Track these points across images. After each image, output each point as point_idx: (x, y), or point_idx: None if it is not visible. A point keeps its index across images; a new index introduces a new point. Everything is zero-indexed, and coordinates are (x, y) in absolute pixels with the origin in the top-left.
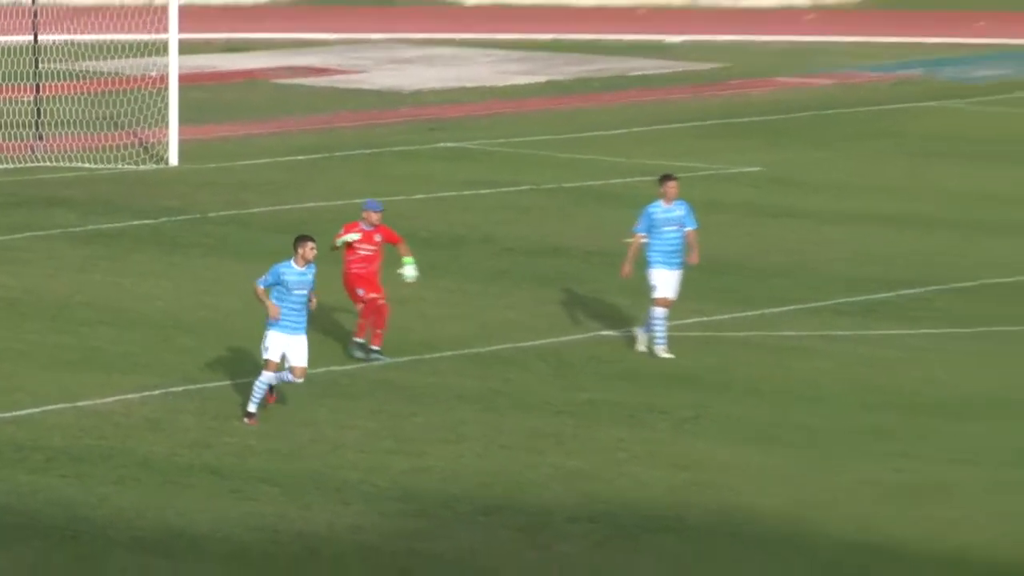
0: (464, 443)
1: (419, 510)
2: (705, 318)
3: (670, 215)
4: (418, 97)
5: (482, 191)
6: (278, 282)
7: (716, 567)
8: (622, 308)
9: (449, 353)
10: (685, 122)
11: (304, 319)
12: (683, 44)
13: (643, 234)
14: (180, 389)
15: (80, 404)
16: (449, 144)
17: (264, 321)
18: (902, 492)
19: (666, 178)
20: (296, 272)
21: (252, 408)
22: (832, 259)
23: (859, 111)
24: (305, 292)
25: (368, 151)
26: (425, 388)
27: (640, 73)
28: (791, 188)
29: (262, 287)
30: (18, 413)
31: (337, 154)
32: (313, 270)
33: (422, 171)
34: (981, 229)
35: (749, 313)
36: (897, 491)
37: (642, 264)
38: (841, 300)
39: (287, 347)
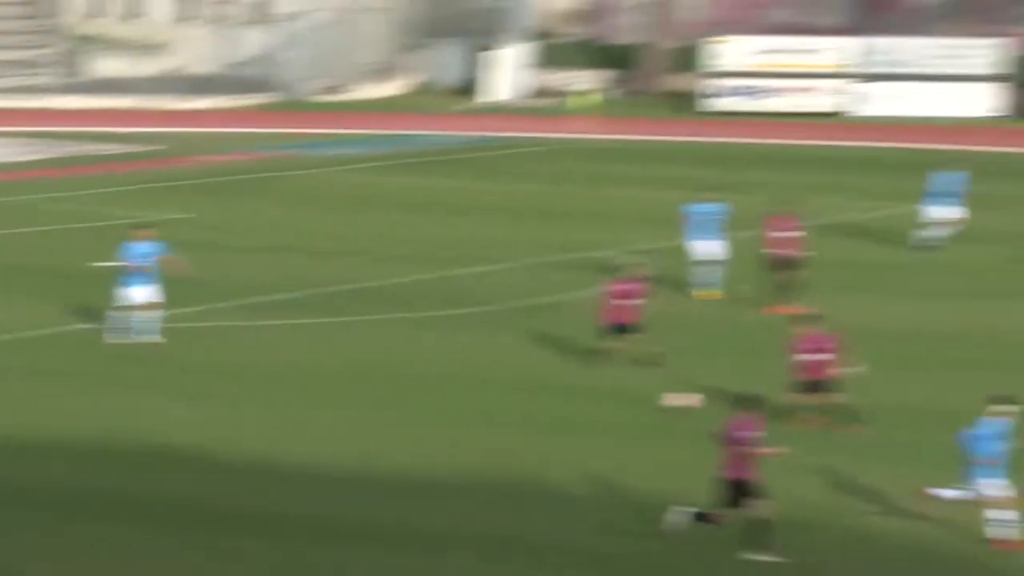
0: None
1: None
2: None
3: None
4: None
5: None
6: None
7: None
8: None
9: None
10: (140, 184)
11: None
12: (139, 133)
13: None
14: None
15: None
16: None
17: None
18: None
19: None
20: None
21: None
22: (249, 277)
23: (255, 176)
24: None
25: None
26: None
27: (110, 152)
28: (212, 230)
29: None
30: None
31: None
32: None
33: None
34: (326, 254)
35: (187, 310)
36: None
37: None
38: (237, 303)
39: None
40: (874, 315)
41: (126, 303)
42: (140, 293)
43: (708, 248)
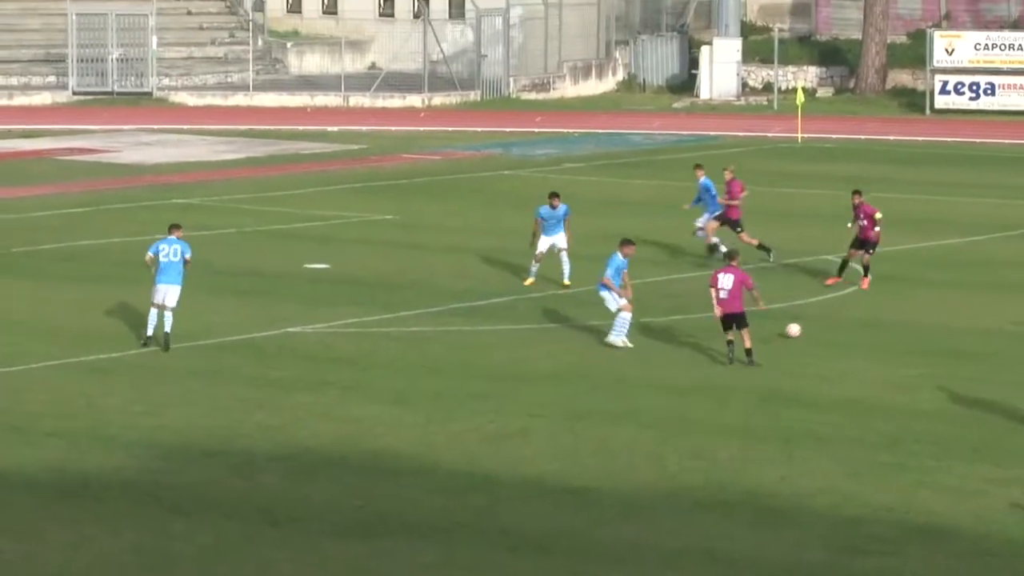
0: (193, 407)
1: (162, 454)
2: (357, 319)
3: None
4: (157, 168)
5: (203, 232)
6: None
7: (372, 491)
8: (301, 312)
9: (185, 344)
10: (341, 184)
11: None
12: (339, 132)
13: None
14: None
15: None
16: (179, 200)
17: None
18: (495, 437)
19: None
20: None
21: None
22: (446, 276)
23: (458, 176)
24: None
25: (124, 206)
26: (164, 369)
27: (310, 152)
28: (417, 229)
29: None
30: None
31: (102, 207)
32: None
33: (163, 219)
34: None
35: (389, 315)
36: (492, 436)
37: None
38: (453, 305)
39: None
40: None
41: None
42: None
43: None
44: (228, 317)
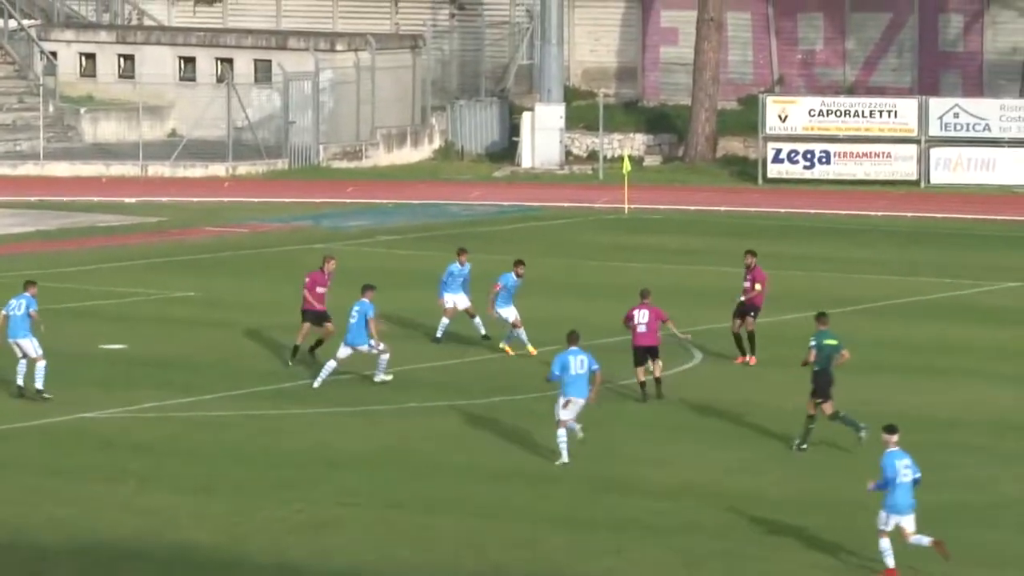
0: None
1: None
2: (157, 403)
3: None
4: None
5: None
6: None
7: None
8: (95, 396)
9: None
10: (141, 259)
11: None
12: (137, 204)
13: None
14: None
15: None
16: None
17: None
18: (306, 526)
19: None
20: None
21: None
22: (251, 357)
23: (265, 250)
24: None
25: None
26: None
27: (106, 224)
28: (220, 307)
29: None
30: None
31: None
32: None
33: None
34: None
35: (190, 399)
36: (302, 526)
37: None
38: (258, 388)
39: None
40: None
41: None
42: None
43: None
44: (16, 401)
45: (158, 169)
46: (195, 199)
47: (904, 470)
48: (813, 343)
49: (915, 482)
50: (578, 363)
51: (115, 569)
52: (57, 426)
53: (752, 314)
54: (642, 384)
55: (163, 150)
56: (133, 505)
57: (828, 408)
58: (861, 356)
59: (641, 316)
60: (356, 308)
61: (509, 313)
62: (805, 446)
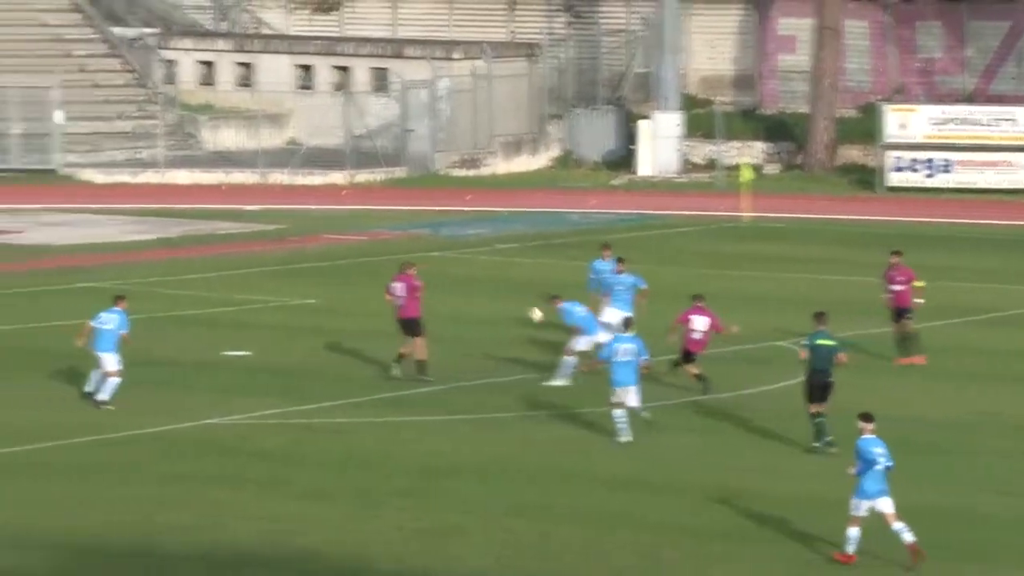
0: (103, 505)
1: (70, 556)
2: (278, 410)
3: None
4: (63, 250)
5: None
6: None
7: None
8: (217, 402)
9: (93, 438)
10: (260, 267)
11: None
12: (256, 211)
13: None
14: None
15: None
16: (87, 284)
17: None
18: (425, 534)
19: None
20: None
21: None
22: (371, 365)
23: (384, 258)
24: None
25: (27, 290)
26: (68, 465)
27: (226, 232)
28: (339, 314)
29: None
30: None
31: (4, 291)
32: None
33: (68, 304)
34: (468, 342)
35: (311, 406)
36: (421, 533)
37: None
38: (378, 396)
39: None
40: None
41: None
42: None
43: None
44: (141, 408)
45: (277, 177)
46: (314, 207)
47: (879, 458)
48: (806, 343)
49: (887, 469)
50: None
51: None
52: (180, 433)
53: (907, 316)
54: (698, 376)
55: (282, 158)
56: (254, 512)
57: (813, 408)
58: (991, 366)
59: (699, 323)
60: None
61: (613, 317)
62: (820, 443)
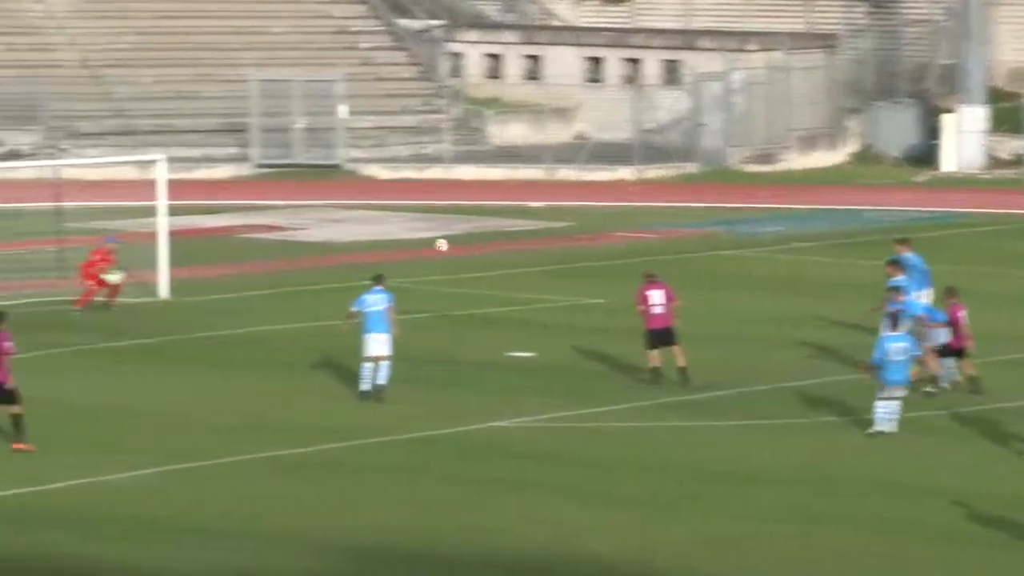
0: (391, 506)
1: (357, 557)
2: (566, 412)
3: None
4: (348, 247)
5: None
6: None
7: None
8: (504, 404)
9: (380, 439)
10: (546, 265)
11: None
12: (543, 208)
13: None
14: (174, 467)
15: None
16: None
17: None
18: (717, 541)
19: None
20: None
21: None
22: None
23: (676, 256)
24: None
25: (311, 288)
26: (357, 465)
27: (511, 229)
28: (629, 315)
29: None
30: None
31: (288, 289)
32: None
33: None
34: (765, 343)
35: (599, 409)
36: (712, 540)
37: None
38: (668, 399)
39: None
40: None
41: None
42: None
43: None
44: (426, 409)
45: (564, 173)
46: (602, 203)
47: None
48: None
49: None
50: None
51: None
52: (466, 435)
53: None
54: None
55: (569, 153)
56: (541, 516)
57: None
58: None
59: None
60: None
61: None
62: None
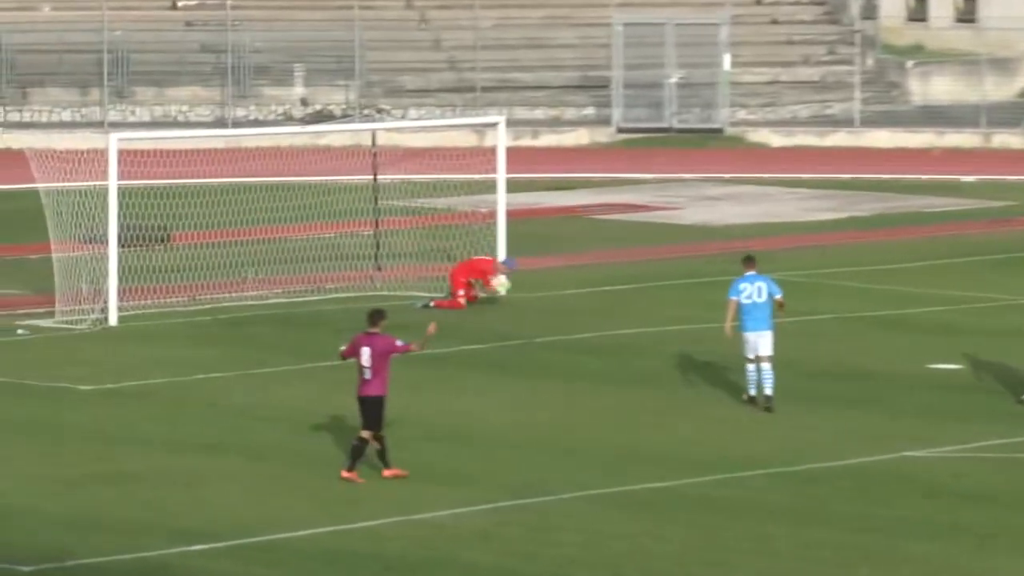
0: (772, 556)
1: None
2: (1001, 441)
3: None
4: (727, 232)
5: (786, 319)
6: None
7: None
8: (922, 428)
9: (764, 471)
10: (981, 255)
11: None
12: (976, 183)
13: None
14: (508, 503)
15: (414, 517)
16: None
17: None
18: None
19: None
20: None
21: None
22: None
23: None
24: None
25: (683, 281)
26: (734, 503)
27: (936, 210)
28: None
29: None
30: (357, 525)
31: (652, 284)
32: None
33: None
34: None
35: None
36: None
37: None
38: None
39: None
40: None
41: None
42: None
43: None
44: (824, 435)
45: (1004, 139)
46: None
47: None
48: None
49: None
50: None
51: None
52: (872, 466)
53: None
54: None
55: (1010, 115)
56: (967, 570)
57: None
58: None
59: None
60: None
61: None
62: None
